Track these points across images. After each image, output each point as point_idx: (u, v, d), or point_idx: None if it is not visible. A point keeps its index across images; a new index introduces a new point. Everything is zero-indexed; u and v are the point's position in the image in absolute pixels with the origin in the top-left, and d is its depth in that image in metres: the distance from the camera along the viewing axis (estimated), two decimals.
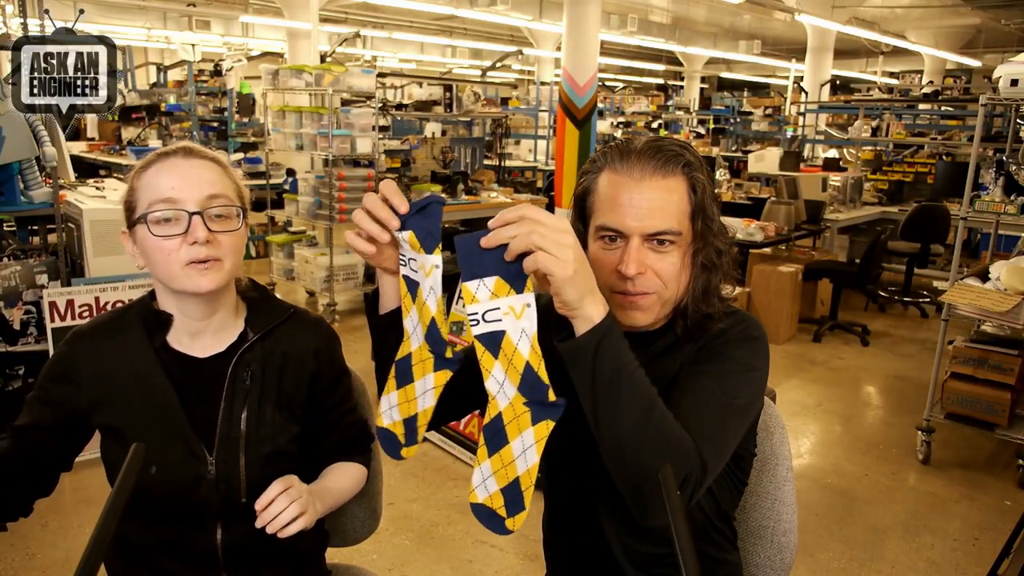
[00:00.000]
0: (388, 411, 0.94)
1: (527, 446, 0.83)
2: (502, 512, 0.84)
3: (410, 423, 0.93)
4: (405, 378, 0.93)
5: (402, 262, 0.89)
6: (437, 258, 0.85)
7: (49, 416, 1.11)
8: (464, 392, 1.04)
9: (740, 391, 0.98)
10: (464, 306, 0.82)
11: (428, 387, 0.91)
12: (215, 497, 1.11)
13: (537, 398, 0.83)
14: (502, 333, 0.81)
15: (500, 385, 0.84)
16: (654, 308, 1.01)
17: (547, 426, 0.83)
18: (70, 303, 2.84)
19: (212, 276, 1.07)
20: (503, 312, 0.81)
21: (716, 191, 1.06)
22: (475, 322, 0.82)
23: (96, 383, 1.12)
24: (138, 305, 1.16)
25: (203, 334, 1.15)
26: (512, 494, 0.83)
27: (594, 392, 0.85)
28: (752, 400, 1.00)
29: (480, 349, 0.83)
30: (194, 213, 1.05)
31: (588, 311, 0.83)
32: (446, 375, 0.90)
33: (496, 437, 0.85)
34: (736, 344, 1.01)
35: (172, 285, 1.08)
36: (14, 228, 3.42)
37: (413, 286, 0.88)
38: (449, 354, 0.90)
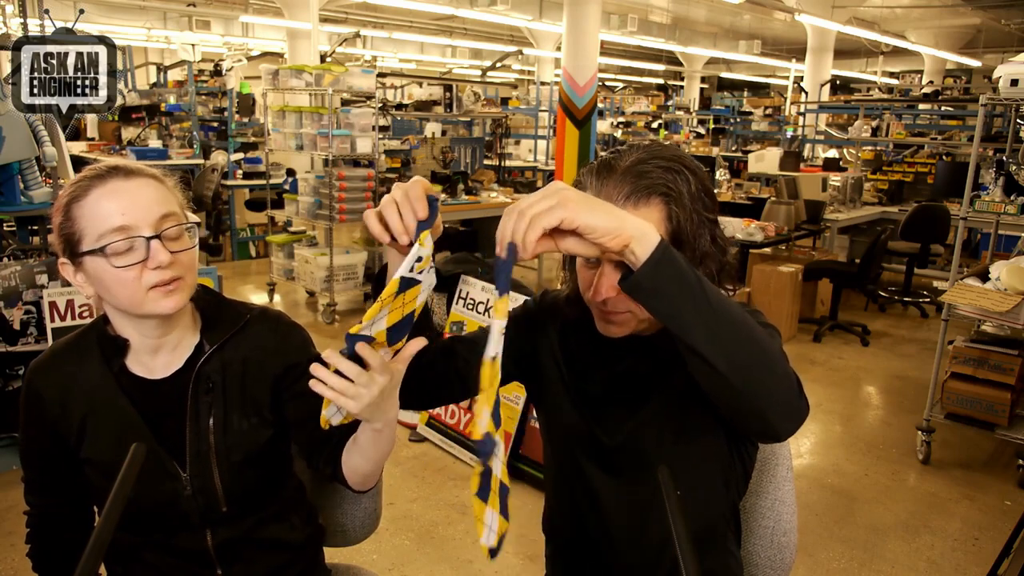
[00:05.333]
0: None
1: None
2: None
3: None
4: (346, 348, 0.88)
5: (408, 265, 0.86)
6: (428, 249, 0.87)
7: (55, 452, 1.13)
8: (444, 378, 1.08)
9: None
10: (495, 319, 0.78)
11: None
12: (195, 510, 1.11)
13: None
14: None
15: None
16: (630, 323, 1.00)
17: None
18: (70, 303, 2.84)
19: (176, 297, 1.04)
20: None
21: (709, 212, 0.98)
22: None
23: (63, 414, 1.11)
24: (93, 331, 1.14)
25: (161, 352, 1.12)
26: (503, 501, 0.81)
27: (691, 296, 0.77)
28: None
29: (487, 370, 0.79)
30: (151, 238, 1.01)
31: (637, 227, 0.76)
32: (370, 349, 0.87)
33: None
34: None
35: (137, 311, 1.05)
36: (14, 228, 3.41)
37: (409, 284, 0.87)
38: (392, 351, 0.91)
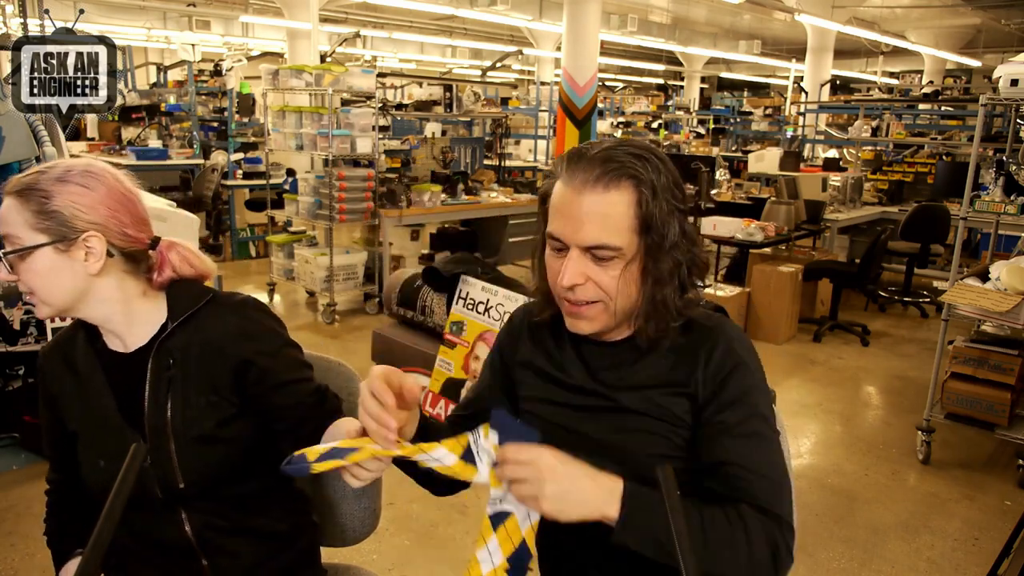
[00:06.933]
0: None
1: None
2: None
3: None
4: None
5: (492, 501, 0.91)
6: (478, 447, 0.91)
7: (57, 428, 1.22)
8: None
9: (768, 411, 1.02)
10: (490, 487, 0.90)
11: None
12: (155, 484, 1.14)
13: (520, 564, 0.90)
14: (508, 514, 0.90)
15: (490, 555, 0.90)
16: (600, 317, 1.00)
17: None
18: None
19: (38, 309, 1.13)
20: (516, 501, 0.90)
21: (679, 203, 0.99)
22: (494, 502, 0.90)
23: (60, 391, 1.21)
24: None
25: (124, 332, 1.19)
26: None
27: (661, 544, 0.87)
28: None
29: (486, 522, 0.90)
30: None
31: (599, 510, 0.87)
32: None
33: None
34: (744, 372, 1.01)
35: None
36: None
37: (501, 517, 0.90)
38: (533, 565, 0.93)
